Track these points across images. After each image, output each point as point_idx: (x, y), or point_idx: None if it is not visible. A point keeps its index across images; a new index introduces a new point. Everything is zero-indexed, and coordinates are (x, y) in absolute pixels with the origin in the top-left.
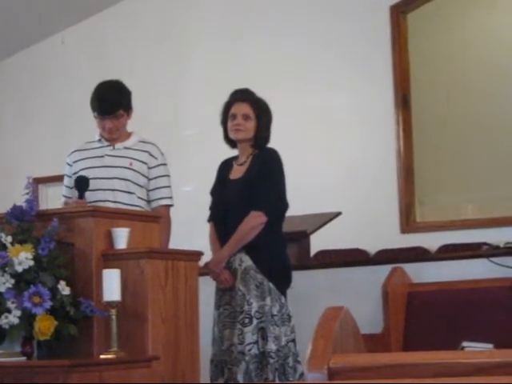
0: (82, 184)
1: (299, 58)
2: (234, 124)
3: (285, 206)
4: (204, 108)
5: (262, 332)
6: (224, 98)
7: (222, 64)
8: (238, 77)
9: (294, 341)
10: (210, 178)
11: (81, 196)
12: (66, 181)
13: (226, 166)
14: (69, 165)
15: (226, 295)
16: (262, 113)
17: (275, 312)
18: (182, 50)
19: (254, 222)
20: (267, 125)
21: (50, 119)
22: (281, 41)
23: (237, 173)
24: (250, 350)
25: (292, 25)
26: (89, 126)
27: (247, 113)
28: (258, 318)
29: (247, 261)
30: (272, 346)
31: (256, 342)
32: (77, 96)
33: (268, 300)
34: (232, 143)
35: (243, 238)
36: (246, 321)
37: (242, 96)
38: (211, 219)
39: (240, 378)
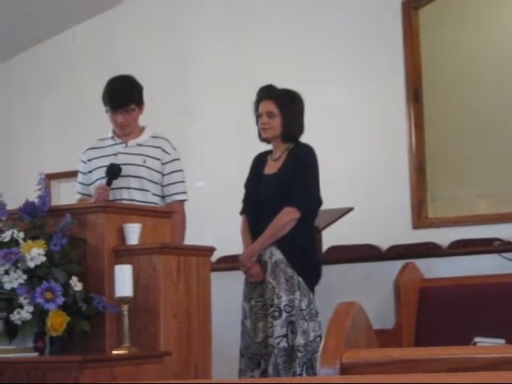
0: (113, 172)
1: (311, 54)
2: (261, 124)
3: (318, 202)
4: (214, 104)
5: (292, 326)
6: (232, 93)
7: (229, 60)
8: (248, 74)
9: (321, 336)
10: (219, 174)
11: (108, 183)
12: (81, 178)
13: (260, 159)
14: (83, 162)
15: (257, 288)
16: (286, 107)
17: (304, 307)
18: (190, 47)
19: (288, 218)
20: (295, 117)
21: (60, 115)
22: (290, 36)
23: (272, 168)
24: (278, 344)
25: (304, 20)
26: (99, 122)
27: (271, 110)
28: (287, 312)
29: (278, 254)
30: (300, 340)
31: (285, 336)
32: (87, 92)
33: (297, 294)
34: (266, 140)
35: (276, 233)
36: (276, 314)
37: (265, 93)
38: (244, 212)
39: (270, 371)
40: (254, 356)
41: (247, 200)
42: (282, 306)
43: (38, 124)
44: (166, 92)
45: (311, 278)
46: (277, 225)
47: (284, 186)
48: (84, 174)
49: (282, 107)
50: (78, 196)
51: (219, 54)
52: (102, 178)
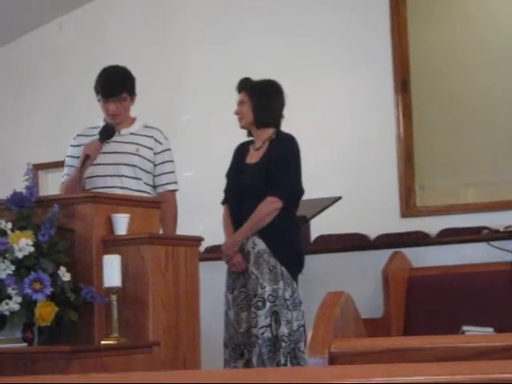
0: (108, 130)
1: (298, 43)
2: (235, 113)
3: (300, 191)
4: (203, 93)
5: (275, 316)
6: (222, 83)
7: (220, 50)
8: (237, 63)
9: (304, 326)
10: (210, 164)
11: (101, 141)
12: (69, 161)
13: (242, 149)
14: (73, 146)
15: (240, 278)
16: (256, 94)
17: (288, 296)
18: (180, 36)
19: (270, 207)
20: (265, 103)
21: (47, 106)
22: (278, 26)
23: (253, 157)
24: (262, 334)
25: (292, 12)
26: (86, 112)
27: (242, 99)
28: (271, 302)
29: (260, 244)
30: (284, 330)
31: (269, 326)
32: (75, 83)
33: (281, 284)
34: (248, 132)
35: (258, 223)
36: (260, 304)
37: (239, 86)
38: (225, 202)
39: (254, 361)
40: (238, 346)
41: (229, 190)
42: (265, 296)
43: (26, 115)
44: (155, 82)
45: (294, 267)
46: (259, 215)
47: (265, 176)
48: (72, 157)
49: (252, 95)
50: (64, 178)
51: (209, 44)
52: (91, 165)
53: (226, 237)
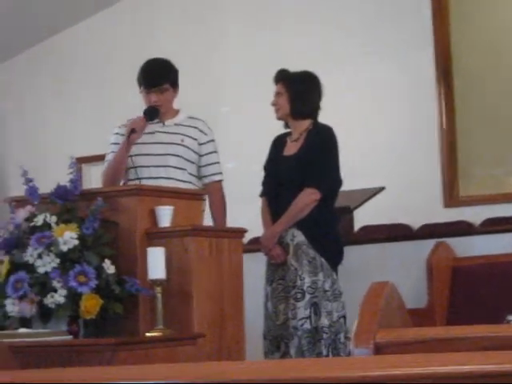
0: (152, 110)
1: (339, 34)
2: (271, 105)
3: (339, 182)
4: (242, 85)
5: (315, 307)
6: (262, 74)
7: (260, 41)
8: (276, 53)
9: (344, 317)
10: (250, 155)
11: (145, 119)
12: (113, 148)
13: (279, 141)
14: (118, 134)
15: (279, 270)
16: (292, 85)
17: (327, 287)
18: (221, 27)
19: (308, 199)
20: (302, 94)
21: (91, 99)
22: (319, 16)
23: (291, 149)
24: (302, 325)
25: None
26: (130, 105)
27: (278, 90)
28: (310, 293)
29: (299, 236)
30: (325, 321)
31: (308, 317)
32: (119, 76)
33: (320, 275)
34: (284, 123)
35: (296, 214)
36: (299, 296)
37: (276, 78)
38: (264, 194)
39: (293, 353)
40: (275, 338)
41: (267, 182)
42: (304, 288)
43: (69, 108)
44: (195, 74)
45: (334, 258)
46: (297, 206)
47: (303, 167)
48: (116, 144)
49: (288, 86)
50: (109, 156)
51: (248, 36)
52: (134, 155)
53: (265, 229)
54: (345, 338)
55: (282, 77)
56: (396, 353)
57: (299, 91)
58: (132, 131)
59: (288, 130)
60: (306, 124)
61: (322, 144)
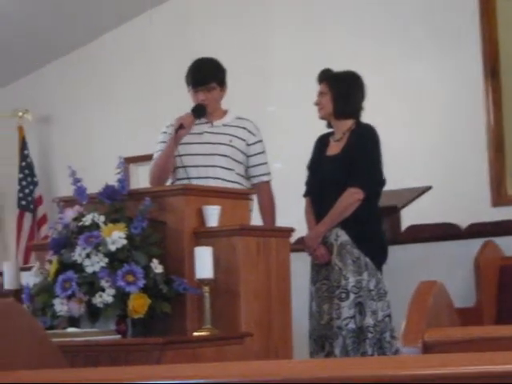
0: (199, 108)
1: (382, 30)
2: (315, 104)
3: (382, 182)
4: (289, 85)
5: (360, 307)
6: (308, 73)
7: (304, 42)
8: (322, 53)
9: (389, 316)
10: (295, 154)
11: (193, 116)
12: (161, 147)
13: (322, 141)
14: (166, 133)
15: (323, 270)
16: (336, 84)
17: (372, 287)
18: (267, 28)
19: (352, 198)
20: (345, 94)
21: (138, 100)
22: (363, 13)
23: (334, 149)
24: (346, 325)
25: None
26: (177, 105)
27: (322, 90)
28: (355, 293)
29: (343, 236)
30: (370, 321)
31: (353, 317)
32: (163, 76)
33: (365, 275)
34: (327, 123)
35: (340, 214)
36: (343, 295)
37: (319, 77)
38: (307, 194)
39: (337, 353)
40: (319, 338)
41: (310, 182)
42: (349, 288)
43: (116, 109)
44: (241, 73)
45: (378, 257)
46: (341, 206)
47: (346, 167)
48: (164, 142)
49: (332, 85)
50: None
51: (293, 36)
52: (182, 155)
53: (309, 229)
54: (391, 337)
55: (326, 76)
56: (444, 352)
57: (342, 91)
58: (180, 127)
59: (331, 130)
60: (348, 124)
61: (365, 143)
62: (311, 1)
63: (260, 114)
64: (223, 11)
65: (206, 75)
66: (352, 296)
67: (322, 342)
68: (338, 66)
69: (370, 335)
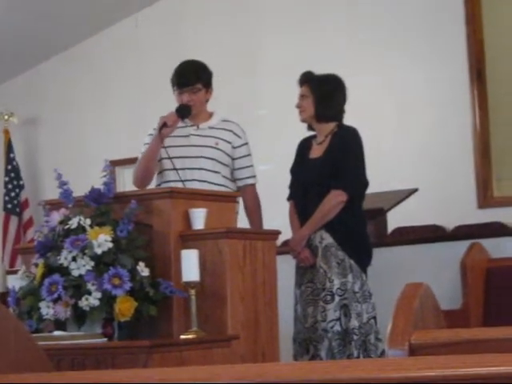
0: (183, 108)
1: (373, 37)
2: (296, 107)
3: (365, 183)
4: (278, 88)
5: (345, 309)
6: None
7: (296, 45)
8: (313, 56)
9: (375, 318)
10: (285, 157)
11: (177, 116)
12: (146, 148)
13: (305, 144)
14: (152, 135)
15: (307, 273)
16: (317, 87)
17: (357, 289)
18: (256, 31)
19: (335, 200)
20: (327, 97)
21: (125, 103)
22: (355, 20)
23: (316, 152)
24: (332, 327)
25: (365, 1)
26: (164, 107)
27: (303, 92)
28: (340, 295)
29: (328, 238)
30: (355, 323)
31: (338, 319)
32: (151, 79)
33: (350, 277)
34: (308, 126)
35: (324, 216)
36: (328, 298)
37: (300, 80)
38: (291, 198)
39: (323, 355)
40: (304, 341)
41: (293, 185)
42: (334, 290)
43: (103, 111)
44: (231, 76)
45: (363, 259)
46: (325, 208)
47: (329, 169)
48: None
49: (313, 88)
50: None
51: (284, 40)
52: (169, 158)
53: (293, 232)
54: (375, 339)
55: (307, 79)
56: (431, 354)
57: (324, 94)
58: (163, 125)
59: (313, 133)
60: (330, 126)
61: (348, 145)
62: (302, 3)
63: (250, 117)
64: (214, 14)
65: (191, 76)
66: (337, 298)
67: (306, 345)
68: (328, 69)
69: (355, 337)
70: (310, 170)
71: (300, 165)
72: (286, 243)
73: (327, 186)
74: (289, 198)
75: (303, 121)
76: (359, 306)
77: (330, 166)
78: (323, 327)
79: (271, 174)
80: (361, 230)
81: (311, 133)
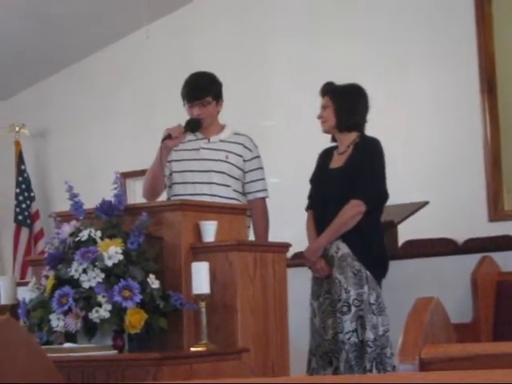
0: (193, 122)
1: (383, 48)
2: (318, 118)
3: (385, 196)
4: (286, 99)
5: (361, 320)
6: (307, 88)
7: (304, 56)
8: (320, 67)
9: (389, 331)
10: (295, 170)
11: (184, 129)
12: None
13: (326, 154)
14: None
15: (324, 284)
16: (338, 97)
17: (372, 301)
18: (265, 43)
19: (354, 211)
20: (348, 107)
21: (134, 114)
22: (363, 30)
23: (337, 162)
24: (349, 339)
25: (377, 12)
26: (173, 119)
27: (325, 103)
28: (356, 306)
29: (344, 248)
30: (370, 335)
31: (355, 331)
32: (161, 91)
33: (366, 288)
34: (332, 137)
35: (342, 226)
36: (345, 309)
37: (322, 90)
38: (310, 208)
39: (341, 368)
40: (325, 354)
41: (313, 195)
42: (350, 301)
43: (113, 123)
44: (239, 88)
45: (379, 271)
46: (343, 218)
47: (350, 180)
48: None
49: (335, 98)
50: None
51: (293, 51)
52: (180, 171)
53: (309, 242)
54: (391, 353)
55: (329, 89)
56: (441, 369)
57: (345, 104)
58: (167, 137)
59: (335, 144)
60: (352, 137)
61: (369, 156)
62: (310, 15)
63: (258, 129)
64: (221, 26)
65: (201, 89)
66: (353, 309)
67: (328, 358)
68: (338, 80)
69: (369, 350)
70: (330, 180)
71: (320, 175)
72: (298, 255)
73: (347, 197)
74: (307, 208)
75: (325, 131)
76: (374, 318)
77: (351, 176)
78: (341, 339)
79: (281, 187)
80: (378, 241)
81: (323, 144)
